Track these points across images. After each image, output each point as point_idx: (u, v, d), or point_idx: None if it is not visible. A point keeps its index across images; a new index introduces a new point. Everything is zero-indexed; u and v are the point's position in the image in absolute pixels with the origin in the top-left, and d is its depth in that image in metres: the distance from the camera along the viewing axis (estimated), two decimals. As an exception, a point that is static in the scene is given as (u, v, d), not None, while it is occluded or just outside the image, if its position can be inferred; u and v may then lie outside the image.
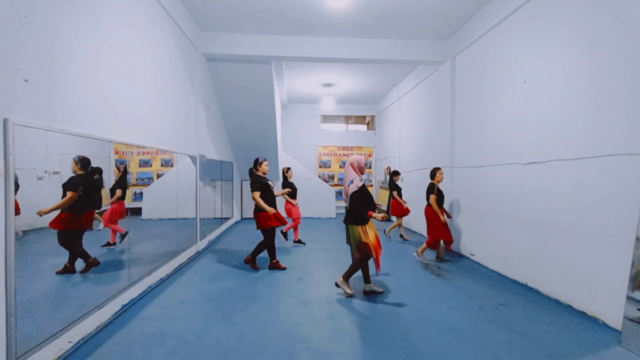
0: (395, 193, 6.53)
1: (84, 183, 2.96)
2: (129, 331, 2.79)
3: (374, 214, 3.38)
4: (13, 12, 2.03)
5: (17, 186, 2.27)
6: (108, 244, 3.83)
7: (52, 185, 2.68)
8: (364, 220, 3.47)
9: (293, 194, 5.95)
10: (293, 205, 5.92)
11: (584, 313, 3.17)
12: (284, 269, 4.54)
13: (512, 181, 4.23)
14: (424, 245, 5.00)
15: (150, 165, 4.48)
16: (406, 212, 6.56)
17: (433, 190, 4.90)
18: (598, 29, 3.08)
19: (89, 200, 3.06)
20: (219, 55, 5.97)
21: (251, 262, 4.62)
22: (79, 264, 3.02)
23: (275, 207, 4.52)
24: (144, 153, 4.10)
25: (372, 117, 11.64)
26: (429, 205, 4.96)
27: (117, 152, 3.51)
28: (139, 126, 3.61)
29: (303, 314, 3.19)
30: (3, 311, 1.94)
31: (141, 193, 4.96)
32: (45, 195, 2.56)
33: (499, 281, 4.16)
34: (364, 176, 13.23)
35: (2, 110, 1.95)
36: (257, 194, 4.39)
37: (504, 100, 4.44)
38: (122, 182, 3.84)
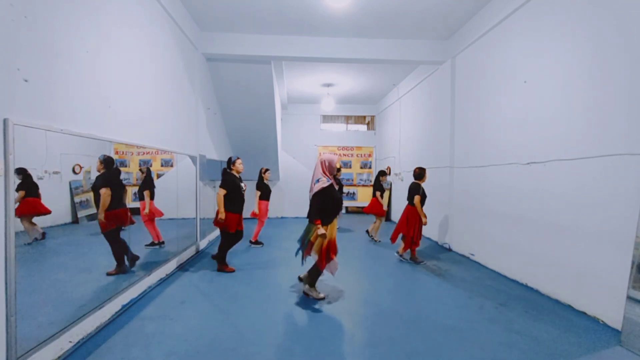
0: (378, 193, 6.53)
1: (109, 181, 3.09)
2: (128, 331, 2.79)
3: (320, 226, 3.28)
4: (13, 12, 2.03)
5: (36, 186, 2.33)
6: (152, 244, 4.38)
7: (52, 186, 2.68)
8: (326, 221, 3.37)
9: (266, 195, 5.93)
10: (259, 209, 5.87)
11: (584, 313, 3.18)
12: (233, 270, 4.43)
13: (512, 181, 4.23)
14: (411, 250, 4.99)
15: (151, 165, 4.48)
16: (382, 213, 6.59)
17: (418, 190, 4.85)
18: (598, 29, 3.08)
19: (113, 199, 3.14)
20: (219, 55, 5.97)
21: (222, 267, 4.43)
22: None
23: (242, 211, 4.43)
24: (144, 153, 4.10)
25: (372, 117, 11.64)
26: (411, 205, 4.92)
27: (117, 152, 3.51)
28: (139, 126, 3.61)
29: (302, 313, 3.19)
30: (3, 311, 1.94)
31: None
32: (46, 195, 2.55)
33: (498, 281, 4.16)
34: (364, 176, 13.06)
35: (2, 110, 1.95)
36: (222, 192, 4.24)
37: (504, 100, 4.44)
38: (149, 184, 4.13)
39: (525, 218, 3.97)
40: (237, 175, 4.47)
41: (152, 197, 4.25)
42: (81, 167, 2.96)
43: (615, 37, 2.92)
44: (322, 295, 3.53)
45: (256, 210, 5.83)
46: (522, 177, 4.04)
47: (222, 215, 4.22)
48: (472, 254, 5.18)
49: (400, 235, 5.08)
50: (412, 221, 4.85)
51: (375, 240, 6.56)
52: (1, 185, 1.94)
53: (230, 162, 4.48)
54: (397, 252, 5.16)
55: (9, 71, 2.00)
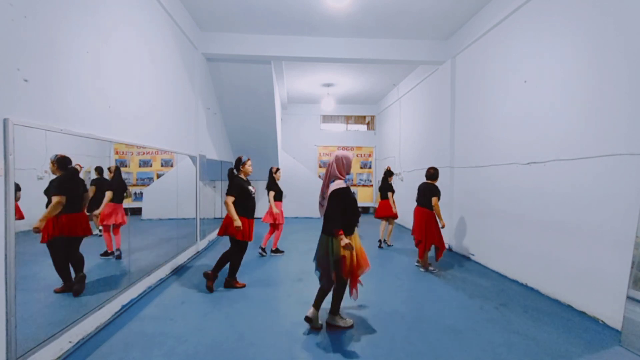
0: (390, 194, 6.04)
1: (67, 184, 2.70)
2: (128, 331, 2.79)
3: (343, 237, 2.63)
4: (13, 12, 2.03)
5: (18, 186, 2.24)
6: (105, 253, 3.63)
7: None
8: (348, 230, 2.75)
9: (279, 196, 5.35)
10: (278, 210, 5.27)
11: (584, 313, 3.17)
12: (243, 286, 3.91)
13: (512, 181, 4.23)
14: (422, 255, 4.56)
15: (150, 165, 4.48)
16: (394, 215, 6.07)
17: (436, 192, 4.52)
18: (598, 29, 3.08)
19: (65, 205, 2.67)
20: (219, 55, 5.97)
21: (233, 282, 3.91)
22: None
23: (253, 217, 3.94)
24: (144, 153, 4.09)
25: (372, 117, 11.64)
26: (423, 207, 4.58)
27: (117, 152, 3.51)
28: (139, 126, 3.61)
29: (303, 314, 3.18)
30: (3, 311, 1.94)
31: (141, 193, 4.97)
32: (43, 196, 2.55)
33: (499, 281, 4.16)
34: (364, 176, 12.99)
35: (2, 110, 1.95)
36: (230, 199, 3.70)
37: (504, 100, 4.44)
38: (111, 184, 3.58)
39: (526, 218, 3.97)
40: (244, 178, 3.99)
41: (119, 201, 3.71)
42: (81, 167, 2.96)
43: (615, 37, 2.92)
44: (350, 322, 2.97)
45: (275, 209, 5.19)
46: (522, 177, 4.04)
47: (238, 223, 3.63)
48: (473, 254, 5.18)
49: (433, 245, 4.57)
50: (430, 226, 4.49)
51: (389, 245, 6.14)
52: (1, 185, 1.94)
53: (239, 162, 3.96)
54: (427, 269, 4.60)
55: (9, 71, 2.00)
